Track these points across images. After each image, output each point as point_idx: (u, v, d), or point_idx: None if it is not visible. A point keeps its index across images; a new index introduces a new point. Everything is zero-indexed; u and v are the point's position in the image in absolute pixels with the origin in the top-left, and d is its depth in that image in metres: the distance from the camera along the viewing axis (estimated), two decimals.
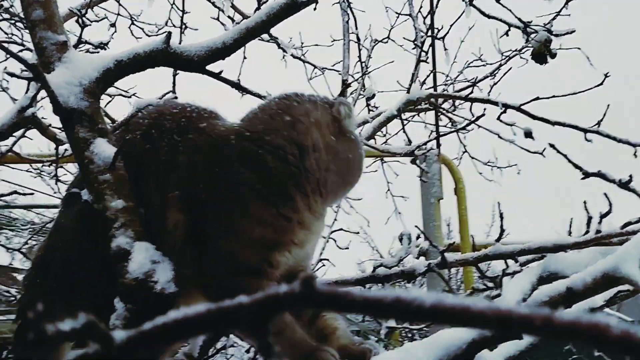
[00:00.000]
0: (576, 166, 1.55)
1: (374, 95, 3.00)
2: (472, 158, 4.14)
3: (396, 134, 3.97)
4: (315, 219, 1.40)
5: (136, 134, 1.45)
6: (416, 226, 1.72)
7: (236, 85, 1.60)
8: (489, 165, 4.13)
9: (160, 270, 1.37)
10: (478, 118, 2.55)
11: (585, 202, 1.74)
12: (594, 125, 2.49)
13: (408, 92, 2.78)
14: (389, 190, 3.87)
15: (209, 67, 1.52)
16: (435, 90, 3.04)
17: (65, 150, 2.76)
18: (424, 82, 3.25)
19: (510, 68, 3.57)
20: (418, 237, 1.74)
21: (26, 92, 2.74)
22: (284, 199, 1.35)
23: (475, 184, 4.27)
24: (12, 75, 1.52)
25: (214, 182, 1.37)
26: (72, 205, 1.48)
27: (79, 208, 1.45)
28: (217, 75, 1.53)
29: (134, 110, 1.51)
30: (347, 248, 3.02)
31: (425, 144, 3.12)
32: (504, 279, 1.62)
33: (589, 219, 1.70)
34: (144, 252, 1.37)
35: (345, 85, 2.79)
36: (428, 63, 3.07)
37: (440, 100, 3.28)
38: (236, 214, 1.35)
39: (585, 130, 2.46)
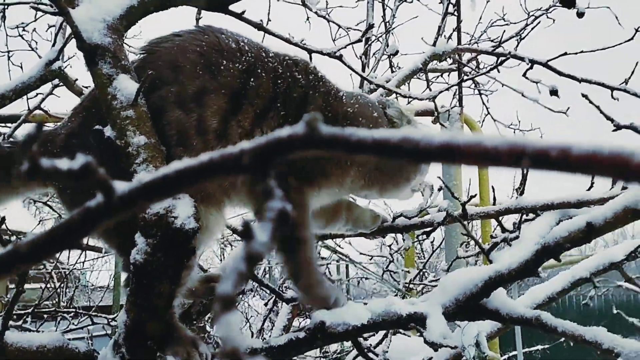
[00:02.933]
0: (608, 118, 1.51)
1: (397, 52, 2.96)
2: (495, 120, 4.09)
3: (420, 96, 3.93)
4: (347, 177, 1.66)
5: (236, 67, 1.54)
6: (438, 177, 1.70)
7: (259, 27, 1.58)
8: (511, 128, 4.08)
9: (181, 206, 1.38)
10: (502, 62, 2.48)
11: None
12: (622, 84, 2.42)
13: (434, 45, 2.74)
14: None
15: (231, 8, 1.51)
16: (460, 42, 2.98)
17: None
18: (449, 38, 3.20)
19: (539, 22, 3.47)
20: (440, 189, 1.72)
21: (52, 46, 2.77)
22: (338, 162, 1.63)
23: None
24: (37, 9, 1.52)
25: None
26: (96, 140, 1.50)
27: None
28: (239, 16, 1.53)
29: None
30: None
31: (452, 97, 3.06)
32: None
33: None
34: None
35: (368, 43, 2.75)
36: (455, 16, 3.01)
37: (464, 60, 3.22)
38: None
39: (612, 88, 2.39)
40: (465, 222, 1.69)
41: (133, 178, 1.40)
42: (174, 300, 1.42)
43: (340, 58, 1.82)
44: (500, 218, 1.74)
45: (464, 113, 3.62)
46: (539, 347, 9.81)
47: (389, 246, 3.58)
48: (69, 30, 1.59)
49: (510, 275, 1.42)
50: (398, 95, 2.11)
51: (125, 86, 1.41)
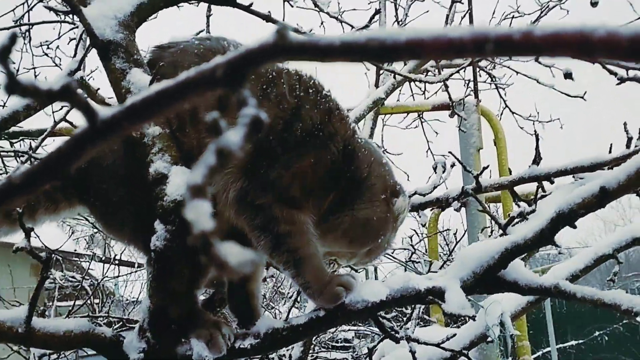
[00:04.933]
0: (611, 72, 1.50)
1: None
2: (513, 113, 4.06)
3: (435, 93, 3.95)
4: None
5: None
6: (450, 152, 1.71)
7: (267, 18, 1.62)
8: (530, 120, 4.05)
9: None
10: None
11: (625, 124, 1.70)
12: (634, 75, 2.40)
13: None
14: (429, 149, 3.85)
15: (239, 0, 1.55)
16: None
17: None
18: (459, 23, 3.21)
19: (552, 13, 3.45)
20: (453, 165, 1.73)
21: (74, 56, 2.85)
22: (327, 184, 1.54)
23: (516, 142, 4.19)
24: (49, 8, 1.58)
25: (302, 138, 1.50)
26: None
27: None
28: (247, 8, 1.56)
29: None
30: None
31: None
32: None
33: (629, 139, 1.66)
34: (181, 175, 1.42)
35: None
36: (462, 4, 3.02)
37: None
38: (303, 163, 1.51)
39: (622, 79, 2.37)
40: (482, 200, 1.69)
41: (150, 168, 1.46)
42: (195, 285, 1.46)
43: None
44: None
45: (481, 105, 3.62)
46: (573, 342, 9.68)
47: (410, 237, 3.59)
48: (89, 41, 1.65)
49: (526, 245, 1.42)
50: (410, 80, 2.13)
51: (139, 79, 1.46)
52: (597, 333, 10.25)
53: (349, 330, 6.31)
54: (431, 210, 3.48)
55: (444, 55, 0.39)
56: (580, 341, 9.85)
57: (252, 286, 1.67)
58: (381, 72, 2.62)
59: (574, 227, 1.39)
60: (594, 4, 2.41)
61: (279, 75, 1.54)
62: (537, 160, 1.64)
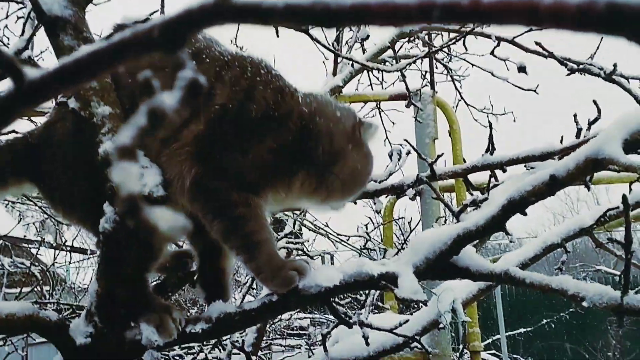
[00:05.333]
0: (561, 62, 1.53)
1: (368, 37, 2.98)
2: (468, 105, 4.12)
3: (392, 84, 3.98)
4: (295, 185, 1.58)
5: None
6: (405, 139, 1.71)
7: None
8: (484, 112, 4.12)
9: (149, 175, 1.39)
10: (468, 33, 2.51)
11: (575, 115, 1.73)
12: (588, 59, 2.46)
13: None
14: (387, 138, 3.88)
15: None
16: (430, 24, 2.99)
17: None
18: None
19: None
20: (408, 153, 1.74)
21: (21, 35, 2.75)
22: (286, 153, 1.52)
23: (470, 134, 4.25)
24: None
25: (257, 120, 1.49)
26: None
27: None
28: None
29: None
30: None
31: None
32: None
33: (579, 130, 1.70)
34: None
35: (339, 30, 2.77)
36: None
37: (436, 47, 3.25)
38: (260, 147, 1.50)
39: (573, 70, 2.43)
40: (436, 189, 1.71)
41: (99, 148, 1.41)
42: (145, 268, 1.43)
43: (307, 32, 1.82)
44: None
45: (437, 96, 3.66)
46: (522, 330, 9.97)
47: (365, 225, 3.62)
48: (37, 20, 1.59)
49: (478, 231, 1.44)
50: (368, 68, 2.12)
51: None
52: (544, 321, 10.58)
53: (304, 317, 6.34)
54: (386, 197, 3.52)
55: (390, 21, 0.38)
56: (529, 329, 10.15)
57: (224, 263, 1.65)
58: (339, 60, 2.62)
59: (525, 214, 1.41)
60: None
61: (233, 59, 1.52)
62: (490, 149, 1.66)
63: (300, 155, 1.55)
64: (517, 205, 1.39)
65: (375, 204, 1.69)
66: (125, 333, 1.39)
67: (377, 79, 3.75)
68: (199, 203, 1.48)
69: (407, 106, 3.21)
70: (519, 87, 2.93)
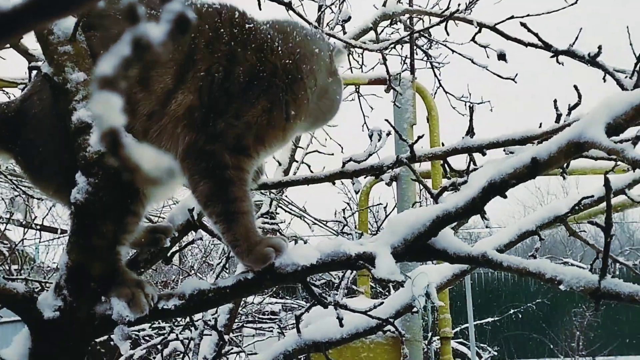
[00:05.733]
0: (546, 45, 1.52)
1: (349, 18, 2.96)
2: (446, 93, 4.13)
3: (372, 68, 3.96)
4: (288, 136, 1.62)
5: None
6: (386, 120, 1.70)
7: None
8: (462, 100, 4.14)
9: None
10: (450, 18, 2.49)
11: (555, 101, 1.73)
12: (567, 48, 2.47)
13: (384, 5, 2.74)
14: (365, 123, 3.87)
15: None
16: (411, 5, 2.99)
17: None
18: (399, 1, 3.20)
19: None
20: (388, 134, 1.72)
21: None
22: (280, 110, 1.54)
23: (448, 121, 4.27)
24: None
25: (246, 83, 1.49)
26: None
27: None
28: None
29: None
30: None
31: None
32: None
33: (558, 115, 1.70)
34: None
35: (321, 10, 2.74)
36: None
37: (416, 34, 3.23)
38: (254, 110, 1.50)
39: (557, 52, 2.43)
40: (416, 169, 1.69)
41: (72, 116, 1.37)
42: (117, 242, 1.39)
43: (289, 5, 1.79)
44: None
45: (416, 82, 3.65)
46: (489, 319, 10.14)
47: (343, 210, 3.61)
48: None
49: (457, 213, 1.43)
50: (350, 46, 2.10)
51: (63, 20, 1.36)
52: (511, 311, 10.78)
53: (275, 302, 6.33)
54: (365, 177, 3.52)
55: None
56: (496, 318, 10.32)
57: None
58: None
59: (505, 196, 1.41)
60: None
61: (204, 19, 1.48)
62: (470, 132, 1.65)
63: (294, 106, 1.56)
64: (498, 187, 1.38)
65: (354, 183, 1.68)
66: (96, 307, 1.36)
67: (357, 62, 3.74)
68: (188, 163, 1.46)
69: (387, 90, 3.19)
70: (498, 76, 2.94)
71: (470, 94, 4.39)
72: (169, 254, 1.77)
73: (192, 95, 1.44)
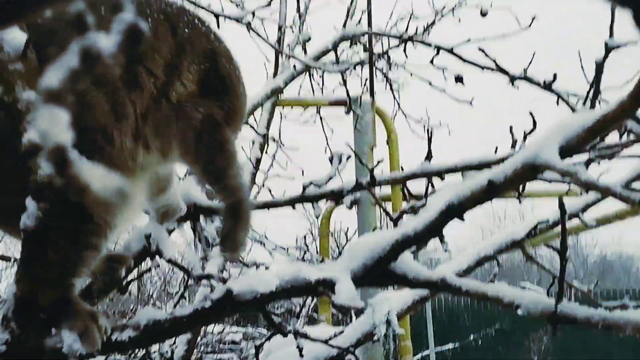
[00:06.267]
0: (503, 71, 1.56)
1: (309, 39, 2.98)
2: (405, 116, 4.19)
3: (333, 90, 4.00)
4: None
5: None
6: (347, 143, 1.70)
7: None
8: (421, 123, 4.20)
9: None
10: (409, 40, 2.54)
11: (511, 127, 1.77)
12: (521, 73, 2.54)
13: (344, 27, 2.78)
14: (327, 145, 3.89)
15: None
16: (370, 27, 3.04)
17: None
18: (358, 23, 3.25)
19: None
20: (348, 158, 1.73)
21: None
22: None
23: (408, 144, 4.32)
24: None
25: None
26: None
27: None
28: None
29: None
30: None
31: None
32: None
33: (514, 141, 1.73)
34: None
35: (281, 31, 2.76)
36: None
37: (375, 55, 3.28)
38: None
39: (512, 77, 2.50)
40: (376, 193, 1.70)
41: (23, 138, 1.32)
42: (69, 271, 1.34)
43: (249, 25, 1.78)
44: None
45: (376, 105, 3.69)
46: (450, 345, 10.19)
47: (304, 237, 3.60)
48: None
49: (417, 236, 1.43)
50: (310, 67, 2.10)
51: (13, 37, 1.31)
52: (471, 337, 10.86)
53: (237, 331, 6.23)
54: (326, 202, 3.53)
55: None
56: (456, 345, 10.38)
57: None
58: (281, 60, 2.60)
59: (462, 219, 1.42)
60: (483, 14, 2.53)
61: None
62: (429, 156, 1.67)
63: None
64: (456, 210, 1.39)
65: (314, 208, 1.68)
66: (46, 340, 1.30)
67: (318, 84, 3.77)
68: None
69: (347, 112, 3.22)
70: (455, 99, 3.00)
71: (429, 118, 4.46)
72: (124, 283, 1.72)
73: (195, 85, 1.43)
